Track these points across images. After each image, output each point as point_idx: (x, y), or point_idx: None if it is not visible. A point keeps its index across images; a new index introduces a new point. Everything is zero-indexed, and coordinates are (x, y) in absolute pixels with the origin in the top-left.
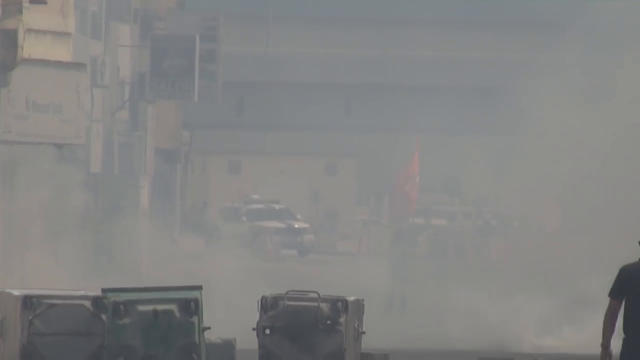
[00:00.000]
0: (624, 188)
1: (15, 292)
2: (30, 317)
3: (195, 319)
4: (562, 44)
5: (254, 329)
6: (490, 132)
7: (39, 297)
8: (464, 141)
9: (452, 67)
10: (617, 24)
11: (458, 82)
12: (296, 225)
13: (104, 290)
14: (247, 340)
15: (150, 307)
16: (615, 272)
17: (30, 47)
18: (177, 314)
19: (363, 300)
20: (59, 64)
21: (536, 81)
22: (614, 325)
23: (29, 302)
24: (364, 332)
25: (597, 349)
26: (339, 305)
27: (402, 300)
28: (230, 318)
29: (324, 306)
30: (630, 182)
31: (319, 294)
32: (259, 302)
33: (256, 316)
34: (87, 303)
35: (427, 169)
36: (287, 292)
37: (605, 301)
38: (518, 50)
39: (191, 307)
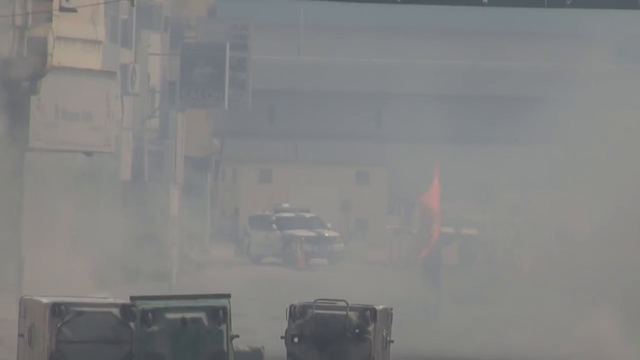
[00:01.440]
0: None
1: (44, 300)
2: (59, 325)
3: (223, 327)
4: (592, 54)
5: (282, 337)
6: (521, 140)
7: (68, 305)
8: (495, 150)
9: (485, 76)
10: None
11: (490, 91)
12: (326, 234)
13: (132, 298)
14: (276, 349)
15: (178, 315)
16: None
17: (60, 55)
18: (206, 322)
19: (391, 309)
20: (89, 72)
21: (569, 90)
22: None
23: (57, 310)
24: (392, 341)
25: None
26: (368, 314)
27: (431, 309)
28: (259, 326)
29: (353, 315)
30: None
31: (347, 303)
32: (288, 310)
33: (285, 324)
34: (116, 311)
35: (457, 178)
36: (315, 301)
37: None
38: (549, 60)
39: (220, 315)
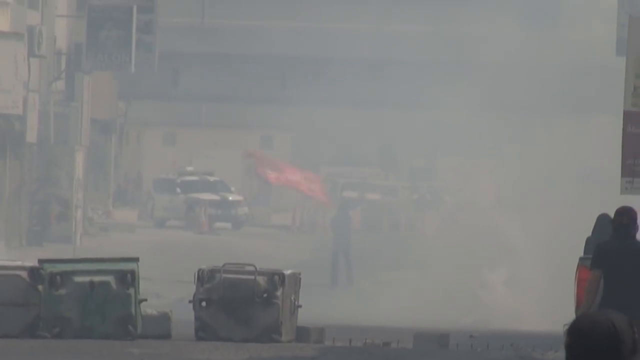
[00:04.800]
0: (557, 166)
1: None
2: None
3: (131, 290)
4: (499, 19)
5: (190, 301)
6: (423, 105)
7: None
8: (399, 115)
9: (390, 40)
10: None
11: (395, 56)
12: (230, 198)
13: (40, 261)
14: (182, 313)
15: (87, 279)
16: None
17: None
18: (114, 286)
19: (300, 273)
20: None
21: (476, 57)
22: (595, 297)
23: None
24: (300, 306)
25: (533, 324)
26: (276, 279)
27: (340, 274)
28: (164, 290)
29: (261, 279)
30: (562, 160)
31: (255, 267)
32: (196, 274)
33: (190, 288)
34: (24, 273)
35: (361, 142)
36: (224, 265)
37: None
38: (454, 24)
39: (128, 278)
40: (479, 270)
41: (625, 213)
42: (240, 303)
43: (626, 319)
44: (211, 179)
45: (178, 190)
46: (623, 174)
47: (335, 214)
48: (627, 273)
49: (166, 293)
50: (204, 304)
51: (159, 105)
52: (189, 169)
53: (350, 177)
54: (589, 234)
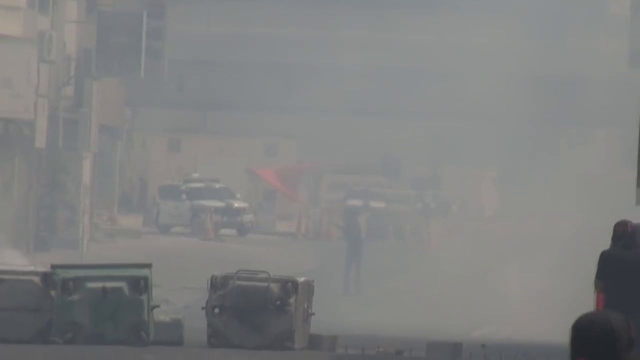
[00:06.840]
0: (561, 173)
1: None
2: None
3: (144, 296)
4: (495, 27)
5: (203, 307)
6: (428, 114)
7: None
8: (403, 123)
9: (388, 48)
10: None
11: (396, 63)
12: (235, 205)
13: (53, 267)
14: (191, 319)
15: (99, 284)
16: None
17: None
18: (127, 292)
19: (313, 281)
20: (10, 39)
21: (473, 64)
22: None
23: None
24: (313, 314)
25: (546, 335)
26: (289, 286)
27: (351, 282)
28: (172, 296)
29: (274, 286)
30: (568, 167)
31: (269, 274)
32: (209, 281)
33: (198, 294)
34: (37, 279)
35: (365, 151)
36: (237, 272)
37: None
38: (453, 32)
39: (141, 285)
40: (488, 279)
41: (627, 224)
42: (253, 310)
43: (623, 317)
44: (216, 185)
45: (183, 196)
46: (639, 184)
47: (344, 222)
48: (630, 280)
49: (175, 299)
50: (216, 310)
51: (164, 112)
52: (195, 175)
53: (354, 185)
54: (602, 243)
